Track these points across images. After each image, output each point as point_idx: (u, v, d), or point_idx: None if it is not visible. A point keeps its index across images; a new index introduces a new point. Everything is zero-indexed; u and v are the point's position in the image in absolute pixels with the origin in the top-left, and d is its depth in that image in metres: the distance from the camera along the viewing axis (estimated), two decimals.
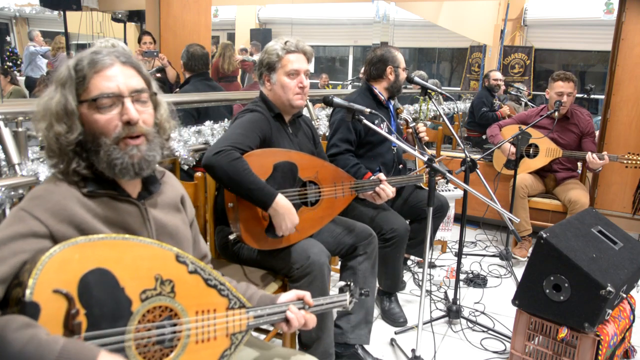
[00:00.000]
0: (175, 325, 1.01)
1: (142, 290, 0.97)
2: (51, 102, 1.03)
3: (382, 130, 2.06)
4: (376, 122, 2.25)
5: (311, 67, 2.06)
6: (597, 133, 3.73)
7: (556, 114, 3.30)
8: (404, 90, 3.37)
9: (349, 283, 1.36)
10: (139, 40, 4.33)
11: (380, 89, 2.60)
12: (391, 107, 2.68)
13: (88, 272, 0.91)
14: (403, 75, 2.62)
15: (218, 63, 5.52)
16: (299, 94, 1.95)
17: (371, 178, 2.15)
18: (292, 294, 1.25)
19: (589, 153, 3.18)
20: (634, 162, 3.07)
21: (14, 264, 0.92)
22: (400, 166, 2.67)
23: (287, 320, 1.20)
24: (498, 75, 5.34)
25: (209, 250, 1.39)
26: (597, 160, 3.13)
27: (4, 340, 0.81)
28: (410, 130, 2.65)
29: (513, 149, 3.35)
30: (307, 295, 1.25)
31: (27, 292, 0.84)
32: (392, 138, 2.11)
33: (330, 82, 8.30)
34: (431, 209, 1.91)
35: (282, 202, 1.74)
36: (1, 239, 0.94)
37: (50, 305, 0.86)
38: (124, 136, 1.04)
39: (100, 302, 0.91)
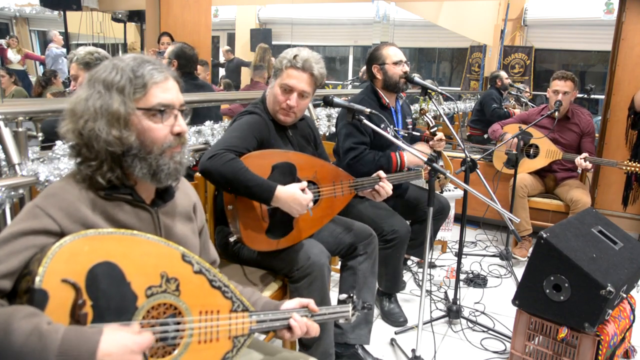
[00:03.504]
0: (178, 323, 1.02)
1: (147, 286, 0.98)
2: (110, 104, 1.02)
3: (389, 134, 2.04)
4: (382, 126, 2.22)
5: None
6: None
7: (556, 114, 3.30)
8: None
9: (351, 295, 1.35)
10: (158, 41, 4.36)
11: (379, 89, 2.56)
12: (399, 107, 2.63)
13: (96, 265, 0.93)
14: (394, 69, 2.48)
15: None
16: (285, 110, 1.90)
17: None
18: (296, 301, 1.25)
19: (577, 158, 3.19)
20: (632, 168, 3.06)
21: (24, 258, 0.93)
22: (405, 169, 2.64)
23: (289, 328, 1.20)
24: (505, 74, 5.39)
25: (218, 257, 1.40)
26: (582, 163, 3.15)
27: (9, 328, 0.83)
28: (428, 132, 2.59)
29: (515, 140, 3.34)
30: (311, 302, 1.25)
31: (37, 279, 0.86)
32: (398, 142, 2.06)
33: (329, 82, 8.30)
34: (431, 209, 1.91)
35: (284, 193, 1.71)
36: (14, 233, 0.95)
37: (58, 294, 0.88)
38: (174, 146, 1.09)
39: (107, 294, 0.93)
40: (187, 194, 1.27)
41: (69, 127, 1.05)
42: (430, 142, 2.56)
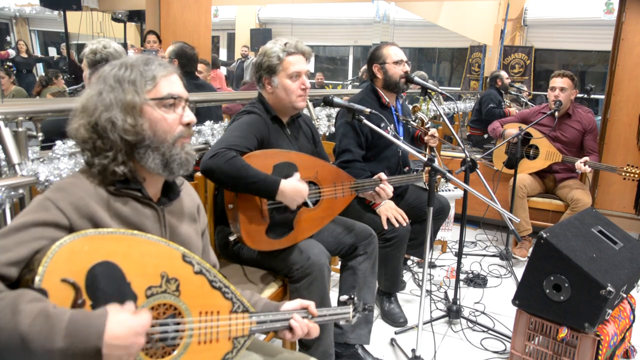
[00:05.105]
0: (178, 324, 1.02)
1: (147, 286, 0.98)
2: (124, 95, 1.06)
3: (389, 134, 2.04)
4: (382, 125, 2.23)
5: (311, 67, 2.06)
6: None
7: (556, 113, 3.31)
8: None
9: (352, 296, 1.35)
10: (144, 39, 4.35)
11: (379, 88, 2.56)
12: (399, 106, 2.63)
13: (96, 264, 0.93)
14: (394, 69, 2.48)
15: None
16: (301, 95, 1.95)
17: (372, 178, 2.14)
18: (297, 303, 1.26)
19: (577, 162, 3.20)
20: (631, 175, 3.05)
21: (32, 248, 0.94)
22: (406, 169, 2.64)
23: (290, 329, 1.20)
24: (506, 74, 5.39)
25: (217, 261, 1.41)
26: (582, 167, 3.16)
27: (17, 309, 0.84)
28: (424, 128, 2.60)
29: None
30: (311, 305, 1.25)
31: (37, 278, 0.86)
32: (398, 142, 2.06)
33: (330, 82, 8.30)
34: (431, 209, 1.91)
35: (287, 186, 1.73)
36: (25, 223, 0.96)
37: (58, 294, 0.88)
38: (184, 136, 1.13)
39: (107, 294, 0.93)
40: (190, 194, 1.30)
41: (81, 122, 1.07)
42: (425, 138, 2.57)
